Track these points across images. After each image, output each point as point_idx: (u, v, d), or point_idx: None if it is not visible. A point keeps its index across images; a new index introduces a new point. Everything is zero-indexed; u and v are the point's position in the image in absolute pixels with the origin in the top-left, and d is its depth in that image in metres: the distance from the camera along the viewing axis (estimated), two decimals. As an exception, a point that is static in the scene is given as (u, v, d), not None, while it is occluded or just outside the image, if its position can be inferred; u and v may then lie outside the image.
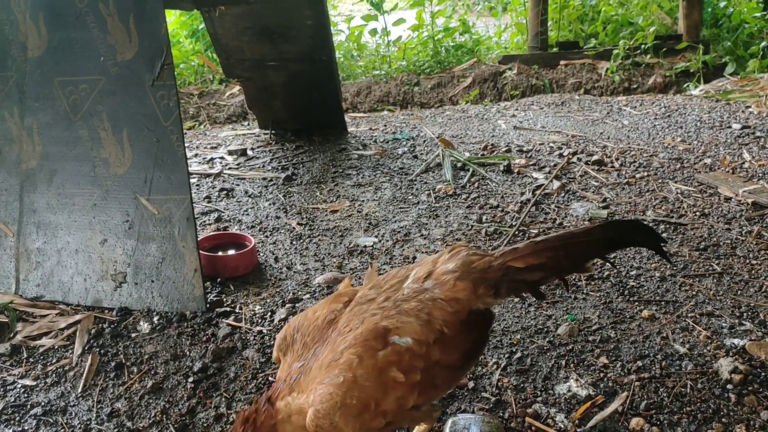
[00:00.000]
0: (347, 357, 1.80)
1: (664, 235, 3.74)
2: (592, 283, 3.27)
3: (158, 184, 3.18)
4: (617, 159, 5.00)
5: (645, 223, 2.10)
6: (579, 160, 5.01)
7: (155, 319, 3.11)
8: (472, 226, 3.96)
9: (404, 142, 5.76)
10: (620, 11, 9.29)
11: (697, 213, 3.99)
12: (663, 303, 3.07)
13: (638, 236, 2.06)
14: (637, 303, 3.08)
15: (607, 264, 3.42)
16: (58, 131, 3.30)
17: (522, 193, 4.41)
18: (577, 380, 2.55)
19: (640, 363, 2.64)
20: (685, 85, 7.78)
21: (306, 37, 5.28)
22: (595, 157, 4.99)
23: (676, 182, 4.50)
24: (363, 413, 1.77)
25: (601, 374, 2.59)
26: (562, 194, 4.39)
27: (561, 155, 5.14)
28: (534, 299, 2.08)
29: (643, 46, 8.25)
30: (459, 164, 4.98)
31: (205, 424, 2.45)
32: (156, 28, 3.15)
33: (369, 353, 1.80)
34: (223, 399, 2.57)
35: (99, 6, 3.19)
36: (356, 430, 1.78)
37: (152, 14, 3.15)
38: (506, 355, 2.73)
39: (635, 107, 6.70)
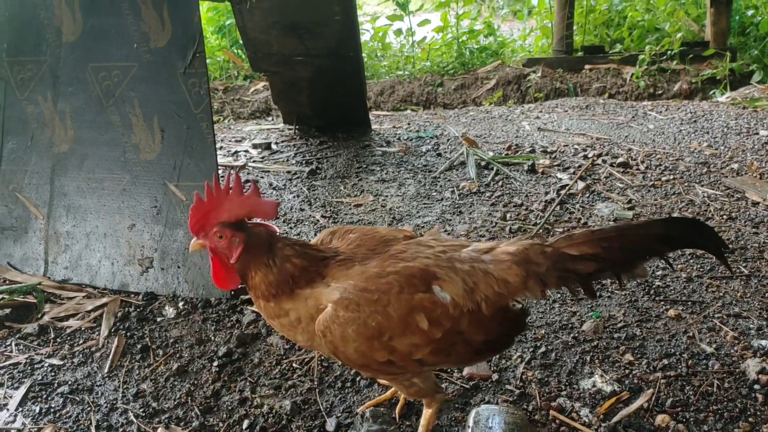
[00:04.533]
0: (390, 281, 1.81)
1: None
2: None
3: (187, 170, 3.21)
4: (642, 162, 4.97)
5: (707, 224, 2.03)
6: (604, 162, 4.98)
7: (180, 304, 3.14)
8: (496, 223, 3.96)
9: (428, 141, 5.76)
10: (647, 17, 9.25)
11: (724, 216, 3.96)
12: (689, 303, 3.04)
13: (699, 237, 1.98)
14: (662, 302, 3.06)
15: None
16: (90, 116, 3.34)
17: (546, 193, 4.40)
18: (601, 376, 2.54)
19: (666, 361, 2.62)
20: (712, 92, 7.72)
21: (334, 32, 5.30)
22: (620, 160, 4.96)
23: (702, 186, 4.46)
24: (374, 338, 1.79)
25: (627, 371, 2.58)
26: (587, 195, 4.37)
27: (586, 157, 5.11)
28: (584, 296, 2.03)
29: (669, 52, 8.21)
30: (483, 163, 4.97)
31: (230, 407, 2.47)
32: (189, 17, 3.18)
33: (410, 289, 1.81)
34: (248, 383, 2.59)
35: (134, -7, 3.23)
36: (358, 351, 1.80)
37: (186, 3, 3.18)
38: (531, 350, 2.72)
39: (661, 112, 6.65)
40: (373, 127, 6.27)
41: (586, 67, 8.40)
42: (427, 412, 2.15)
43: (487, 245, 2.02)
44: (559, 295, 3.14)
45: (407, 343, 1.81)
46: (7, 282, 3.35)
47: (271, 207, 1.86)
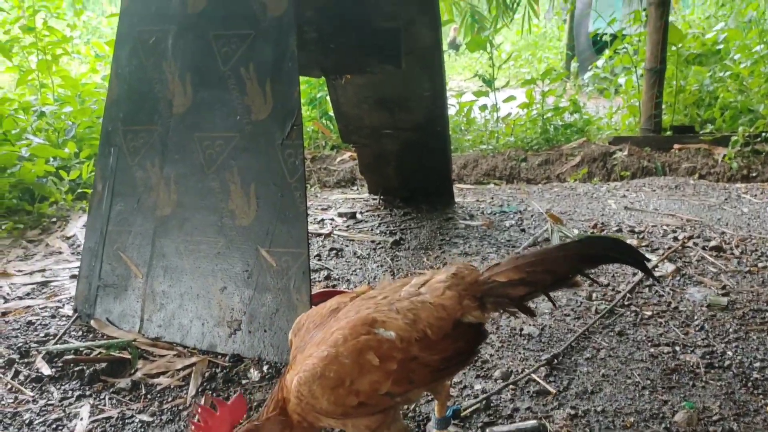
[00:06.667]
0: (335, 336, 2.03)
1: (791, 328, 3.53)
2: (712, 371, 3.12)
3: (279, 237, 3.32)
4: (737, 246, 4.80)
5: (623, 240, 2.17)
6: (695, 244, 4.84)
7: (265, 368, 3.20)
8: (582, 302, 3.88)
9: (511, 215, 5.75)
10: (739, 98, 9.04)
11: (828, 308, 3.75)
12: (792, 399, 2.88)
13: (616, 252, 2.20)
14: (762, 396, 2.91)
15: (727, 353, 3.26)
16: (192, 182, 3.53)
17: (634, 273, 4.29)
18: (696, 471, 2.42)
19: (767, 460, 2.47)
20: (810, 175, 7.42)
21: (423, 107, 5.45)
22: (712, 243, 4.81)
23: (803, 274, 4.26)
24: (338, 387, 1.97)
25: (724, 468, 2.45)
26: (678, 278, 4.24)
27: (675, 238, 4.98)
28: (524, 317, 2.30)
29: (763, 134, 7.97)
30: (568, 240, 4.92)
31: (310, 476, 2.47)
32: (290, 92, 3.36)
33: (353, 335, 2.01)
34: (329, 452, 2.59)
35: (240, 70, 3.44)
36: (331, 403, 1.99)
37: (287, 79, 3.36)
38: (619, 438, 2.63)
39: (755, 195, 6.44)
40: (456, 200, 6.32)
41: (675, 146, 8.24)
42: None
43: (423, 279, 2.23)
44: (648, 382, 3.03)
45: (368, 382, 1.99)
46: (105, 337, 3.52)
47: (240, 405, 2.19)
